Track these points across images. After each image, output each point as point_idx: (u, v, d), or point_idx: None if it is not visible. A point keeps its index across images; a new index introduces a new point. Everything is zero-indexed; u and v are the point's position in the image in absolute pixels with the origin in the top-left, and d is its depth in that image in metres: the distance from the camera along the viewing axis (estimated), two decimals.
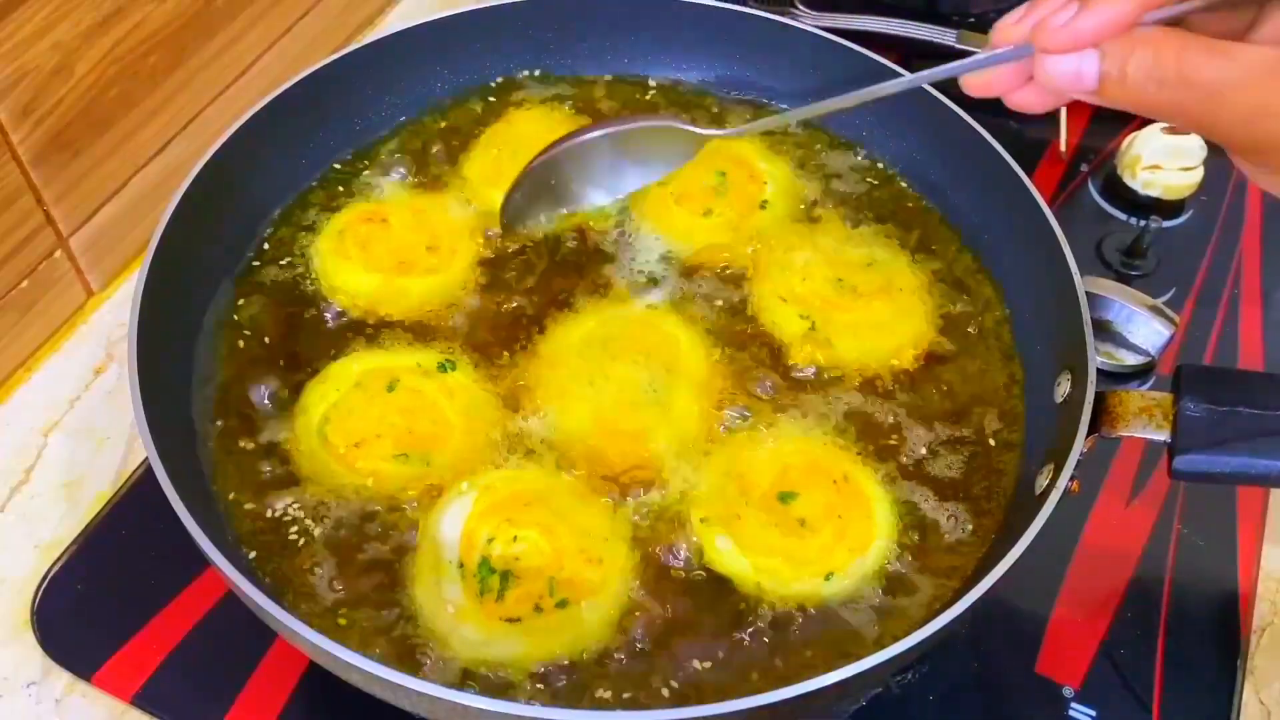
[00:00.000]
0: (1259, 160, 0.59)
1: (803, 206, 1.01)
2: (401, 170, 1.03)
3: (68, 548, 0.88)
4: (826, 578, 0.77)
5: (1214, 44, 0.55)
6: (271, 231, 0.97)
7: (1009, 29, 0.61)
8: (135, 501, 0.91)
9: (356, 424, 0.83)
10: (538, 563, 0.76)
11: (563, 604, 0.75)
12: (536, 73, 1.11)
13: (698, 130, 0.83)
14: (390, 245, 0.95)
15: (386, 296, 0.92)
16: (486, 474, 0.82)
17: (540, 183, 0.89)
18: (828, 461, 0.83)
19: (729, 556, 0.78)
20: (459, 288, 0.94)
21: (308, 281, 0.94)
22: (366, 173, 1.02)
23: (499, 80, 1.10)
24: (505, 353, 0.89)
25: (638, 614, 0.76)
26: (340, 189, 1.01)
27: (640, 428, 0.84)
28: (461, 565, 0.76)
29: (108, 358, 1.02)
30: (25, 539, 0.90)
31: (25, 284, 0.97)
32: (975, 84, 0.64)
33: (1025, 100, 0.63)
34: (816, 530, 0.79)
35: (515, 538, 0.77)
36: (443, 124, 1.07)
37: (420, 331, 0.91)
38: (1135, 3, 0.55)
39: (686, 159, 0.85)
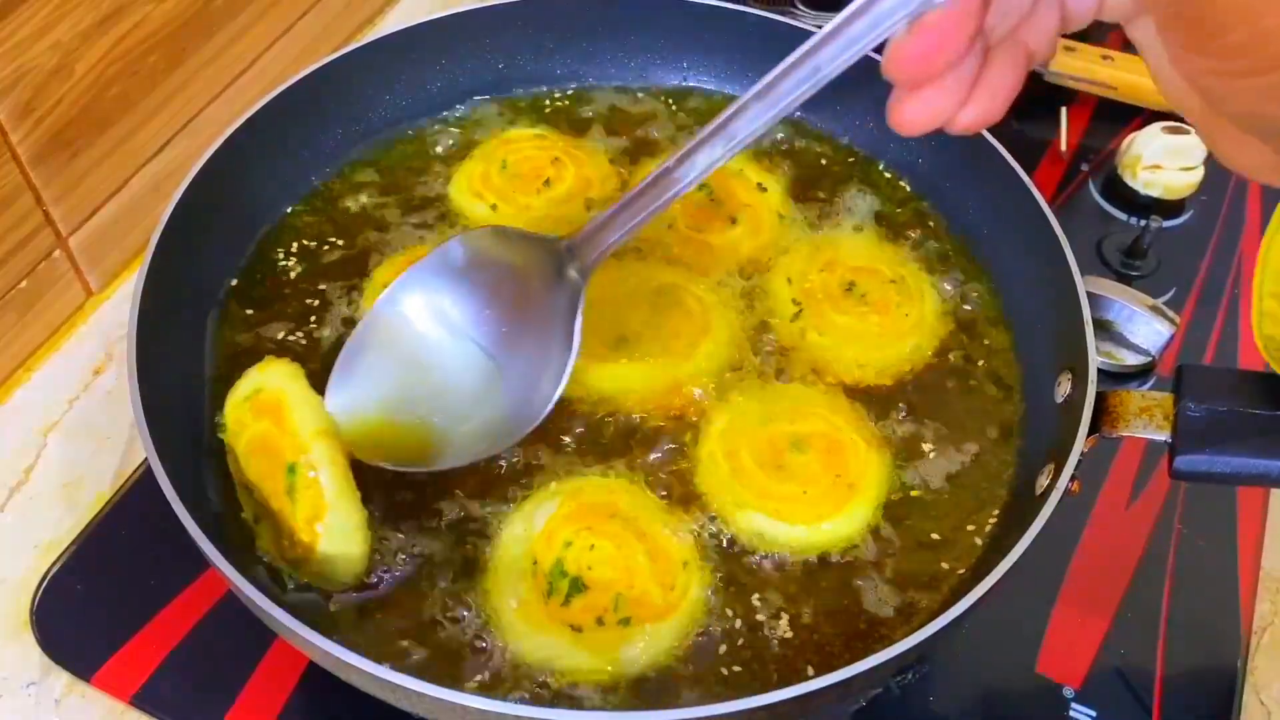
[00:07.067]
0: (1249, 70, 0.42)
1: (799, 216, 1.01)
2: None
3: (67, 548, 0.88)
4: (742, 509, 0.80)
5: None
6: (272, 230, 0.97)
7: None
8: (135, 501, 0.91)
9: None
10: (609, 575, 0.75)
11: (625, 621, 0.74)
12: (533, 74, 1.11)
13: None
14: (524, 170, 1.01)
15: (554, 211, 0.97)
16: (577, 479, 0.81)
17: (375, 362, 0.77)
18: (847, 449, 0.83)
19: (708, 440, 0.83)
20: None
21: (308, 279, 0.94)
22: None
23: (497, 83, 1.10)
24: None
25: (698, 642, 0.75)
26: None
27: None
28: (535, 563, 0.76)
29: (107, 358, 1.02)
30: (25, 539, 0.90)
31: (25, 284, 0.97)
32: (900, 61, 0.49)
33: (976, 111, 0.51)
34: (784, 481, 0.80)
35: (593, 546, 0.76)
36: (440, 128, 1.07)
37: None
38: None
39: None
